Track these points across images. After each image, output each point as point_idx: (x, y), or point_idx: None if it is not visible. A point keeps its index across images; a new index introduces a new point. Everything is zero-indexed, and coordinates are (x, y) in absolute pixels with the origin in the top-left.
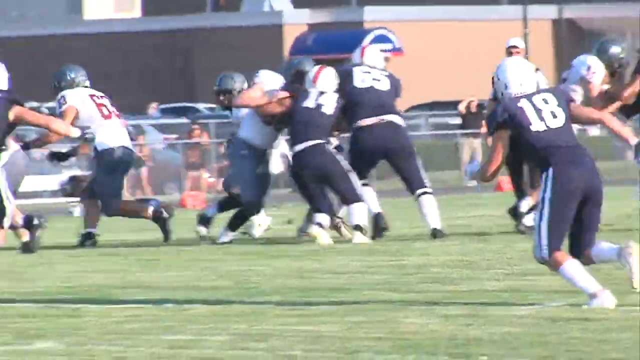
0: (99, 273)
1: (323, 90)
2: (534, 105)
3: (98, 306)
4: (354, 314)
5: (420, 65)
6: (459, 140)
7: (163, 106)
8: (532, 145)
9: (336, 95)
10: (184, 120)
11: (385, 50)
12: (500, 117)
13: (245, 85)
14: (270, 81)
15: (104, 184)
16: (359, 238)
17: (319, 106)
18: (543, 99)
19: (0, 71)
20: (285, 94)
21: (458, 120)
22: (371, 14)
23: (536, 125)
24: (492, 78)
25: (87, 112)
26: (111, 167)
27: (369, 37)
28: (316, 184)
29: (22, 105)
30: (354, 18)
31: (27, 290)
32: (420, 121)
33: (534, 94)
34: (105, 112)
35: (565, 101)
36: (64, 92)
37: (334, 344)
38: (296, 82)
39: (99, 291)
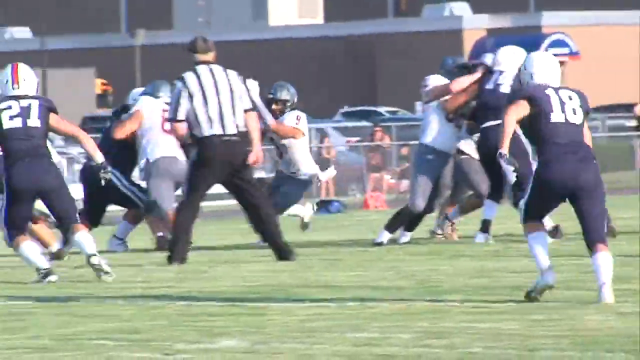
0: (283, 272)
1: (503, 70)
2: (559, 97)
3: (282, 305)
4: (534, 312)
5: (597, 68)
6: (635, 142)
7: (345, 110)
8: (541, 134)
9: (514, 74)
10: (366, 123)
11: (562, 54)
12: (526, 92)
13: (296, 97)
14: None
15: (152, 191)
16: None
17: (497, 86)
18: (569, 96)
19: (31, 78)
20: (476, 76)
21: (635, 123)
22: (549, 19)
23: (556, 116)
24: (519, 69)
25: (150, 122)
26: (160, 175)
27: (547, 42)
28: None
29: (57, 113)
30: (532, 23)
31: (212, 289)
32: (597, 123)
33: (560, 88)
34: (166, 128)
35: (586, 107)
36: (143, 97)
37: (513, 342)
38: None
39: (282, 290)
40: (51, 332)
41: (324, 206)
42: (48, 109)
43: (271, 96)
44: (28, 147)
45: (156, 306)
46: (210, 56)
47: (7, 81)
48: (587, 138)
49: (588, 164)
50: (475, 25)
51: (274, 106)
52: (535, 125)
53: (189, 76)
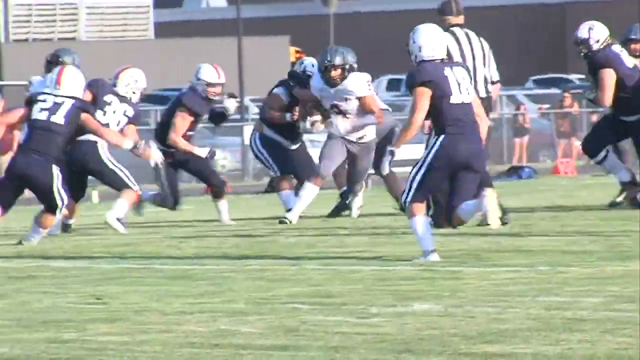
0: (476, 237)
1: None
2: (456, 77)
3: (475, 269)
4: None
5: None
6: None
7: (536, 77)
8: (443, 114)
9: None
10: (556, 90)
11: None
12: (425, 77)
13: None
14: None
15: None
16: None
17: None
18: (462, 76)
19: (75, 81)
20: None
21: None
22: None
23: (456, 97)
24: (407, 43)
25: None
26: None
27: None
28: None
29: (89, 112)
30: None
31: (405, 253)
32: None
33: (454, 65)
34: None
35: (471, 81)
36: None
37: None
38: None
39: (476, 255)
40: (246, 296)
41: (515, 172)
42: (80, 109)
43: (328, 62)
44: (40, 141)
45: (350, 270)
46: (461, 19)
47: (51, 80)
48: (477, 105)
49: (481, 144)
50: None
51: (332, 72)
52: (436, 106)
53: (448, 39)
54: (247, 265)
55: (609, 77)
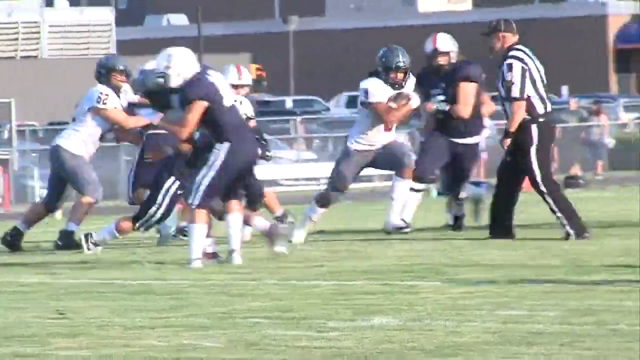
0: (433, 252)
1: None
2: (222, 83)
3: (433, 283)
4: None
5: None
6: None
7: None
8: (217, 118)
9: None
10: None
11: None
12: (198, 94)
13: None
14: None
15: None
16: None
17: None
18: (220, 80)
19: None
20: None
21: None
22: None
23: (227, 101)
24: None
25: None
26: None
27: None
28: None
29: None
30: None
31: (365, 268)
32: None
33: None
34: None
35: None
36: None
37: None
38: None
39: (433, 269)
40: (207, 311)
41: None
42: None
43: (401, 63)
44: None
45: (309, 285)
46: (517, 38)
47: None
48: None
49: (256, 146)
50: (620, 11)
51: (399, 74)
52: (212, 113)
53: (523, 56)
54: (208, 280)
55: (472, 90)
